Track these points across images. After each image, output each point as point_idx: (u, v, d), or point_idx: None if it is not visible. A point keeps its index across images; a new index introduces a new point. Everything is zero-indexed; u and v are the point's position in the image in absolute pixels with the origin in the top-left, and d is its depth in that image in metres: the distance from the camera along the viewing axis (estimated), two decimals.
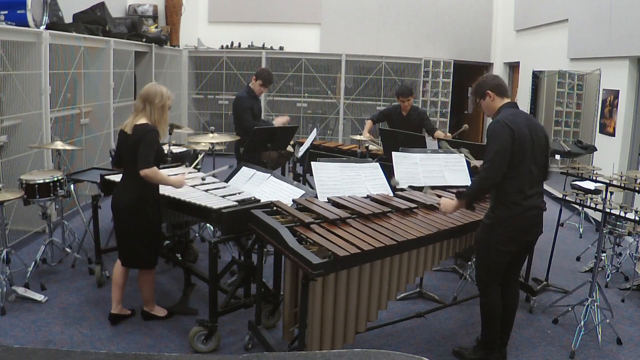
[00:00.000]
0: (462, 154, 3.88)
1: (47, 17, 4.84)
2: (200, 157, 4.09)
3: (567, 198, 4.14)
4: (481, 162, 4.12)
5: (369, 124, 5.65)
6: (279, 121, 5.32)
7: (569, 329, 3.49)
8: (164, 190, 3.33)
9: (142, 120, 3.11)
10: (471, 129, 9.04)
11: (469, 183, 3.56)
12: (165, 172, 3.41)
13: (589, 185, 4.70)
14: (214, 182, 3.63)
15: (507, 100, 2.99)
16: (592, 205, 3.60)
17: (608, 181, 3.54)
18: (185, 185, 3.35)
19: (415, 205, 3.12)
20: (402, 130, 5.05)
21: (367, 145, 5.62)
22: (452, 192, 3.36)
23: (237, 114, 5.03)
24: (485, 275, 2.98)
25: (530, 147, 2.80)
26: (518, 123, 2.79)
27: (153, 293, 3.41)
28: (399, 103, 5.42)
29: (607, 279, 4.28)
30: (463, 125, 5.22)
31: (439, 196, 3.31)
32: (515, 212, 2.81)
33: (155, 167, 3.10)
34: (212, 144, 4.58)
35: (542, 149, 2.89)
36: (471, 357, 3.12)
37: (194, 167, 3.96)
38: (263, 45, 9.37)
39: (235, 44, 9.35)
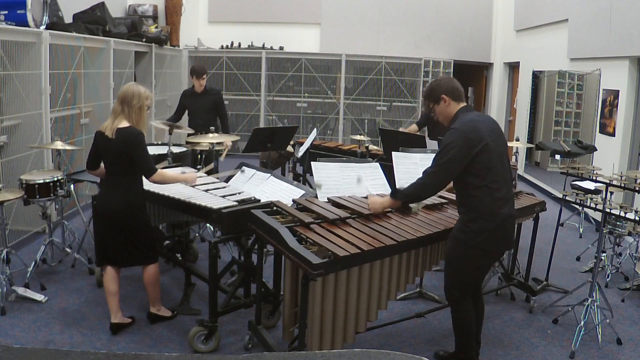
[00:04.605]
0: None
1: (47, 17, 4.83)
2: (207, 167, 3.96)
3: (567, 198, 4.14)
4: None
5: (413, 127, 5.60)
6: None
7: (569, 329, 3.48)
8: (164, 190, 3.33)
9: (124, 123, 3.04)
10: None
11: None
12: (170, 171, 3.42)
13: (589, 185, 4.70)
14: (214, 182, 3.63)
15: (462, 104, 2.79)
16: (592, 205, 3.60)
17: (608, 181, 3.53)
18: (197, 180, 3.34)
19: None
20: (402, 130, 5.07)
21: (367, 145, 5.64)
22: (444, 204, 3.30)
23: None
24: (458, 290, 2.83)
25: (495, 151, 2.65)
26: (479, 129, 2.63)
27: (159, 291, 3.37)
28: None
29: (607, 279, 4.28)
30: None
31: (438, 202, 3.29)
32: (493, 224, 2.65)
33: (160, 170, 3.10)
34: (212, 144, 4.58)
35: (504, 149, 2.75)
36: None
37: (205, 172, 3.96)
38: (263, 45, 9.37)
39: (235, 44, 9.35)
